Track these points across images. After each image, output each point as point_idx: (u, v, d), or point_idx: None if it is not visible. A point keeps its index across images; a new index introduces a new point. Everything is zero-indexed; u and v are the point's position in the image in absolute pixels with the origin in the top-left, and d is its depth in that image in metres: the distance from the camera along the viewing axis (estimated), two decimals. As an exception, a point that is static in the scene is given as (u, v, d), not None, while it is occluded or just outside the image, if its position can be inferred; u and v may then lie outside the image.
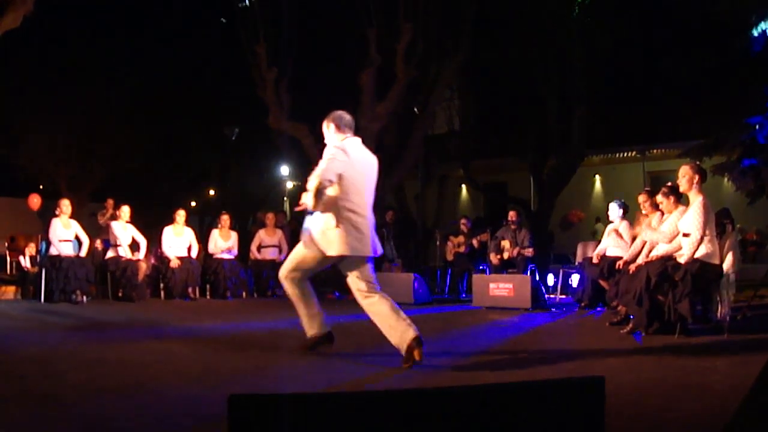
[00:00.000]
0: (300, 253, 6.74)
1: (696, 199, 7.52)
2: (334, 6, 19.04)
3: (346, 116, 6.74)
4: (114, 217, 13.54)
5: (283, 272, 6.84)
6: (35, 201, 13.74)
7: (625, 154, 23.86)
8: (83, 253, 12.55)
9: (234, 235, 14.27)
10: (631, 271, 7.91)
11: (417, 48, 16.44)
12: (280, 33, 17.26)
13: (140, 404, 4.45)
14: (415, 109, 17.92)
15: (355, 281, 6.61)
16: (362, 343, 7.55)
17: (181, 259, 13.23)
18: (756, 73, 15.53)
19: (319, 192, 6.18)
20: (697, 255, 7.36)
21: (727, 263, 7.47)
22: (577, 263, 12.74)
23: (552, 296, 13.00)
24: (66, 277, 11.90)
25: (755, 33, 13.56)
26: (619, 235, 10.45)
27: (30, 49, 21.85)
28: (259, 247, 14.48)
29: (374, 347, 7.24)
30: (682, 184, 7.72)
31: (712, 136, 16.46)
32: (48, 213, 13.08)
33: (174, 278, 13.10)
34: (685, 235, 7.53)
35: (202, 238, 14.24)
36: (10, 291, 13.12)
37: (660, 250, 8.08)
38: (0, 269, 14.40)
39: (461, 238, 14.56)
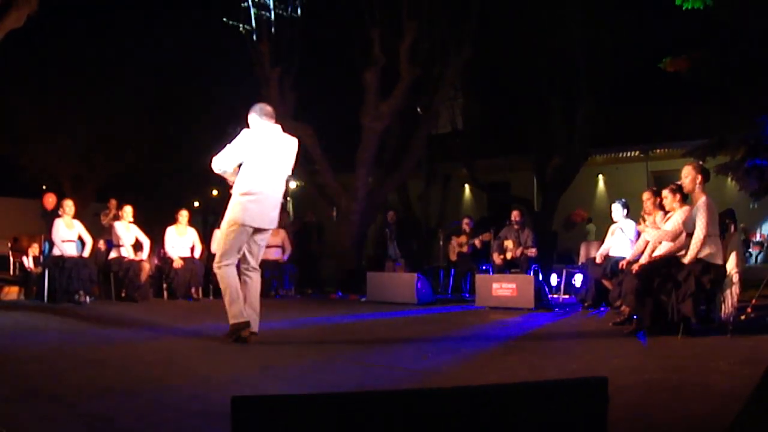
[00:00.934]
0: None
1: (699, 199, 7.52)
2: (338, 5, 19.05)
3: (267, 107, 7.58)
4: (117, 218, 13.54)
5: None
6: (50, 200, 13.73)
7: (629, 154, 23.83)
8: (86, 253, 12.57)
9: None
10: (634, 271, 7.90)
11: (421, 47, 16.45)
12: (284, 32, 17.27)
13: (143, 404, 4.45)
14: (419, 109, 17.94)
15: (245, 254, 7.54)
16: (365, 344, 7.55)
17: (184, 259, 13.24)
18: (760, 72, 15.49)
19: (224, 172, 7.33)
20: (701, 255, 7.35)
21: (731, 263, 7.45)
22: (580, 263, 12.73)
23: (555, 296, 13.00)
24: (69, 277, 11.91)
25: None
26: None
27: (33, 49, 21.85)
28: (262, 247, 14.48)
29: (377, 347, 7.25)
30: (685, 184, 7.72)
31: (716, 136, 16.43)
32: (53, 213, 13.08)
33: (177, 278, 13.11)
34: (689, 234, 7.52)
35: (206, 239, 14.23)
36: (13, 291, 13.13)
37: (663, 250, 8.08)
38: (3, 269, 14.39)
39: (464, 238, 14.54)
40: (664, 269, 7.44)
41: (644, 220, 8.94)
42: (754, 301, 8.81)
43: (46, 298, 12.00)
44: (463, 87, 23.23)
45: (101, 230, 14.78)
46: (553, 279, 13.68)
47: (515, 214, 13.28)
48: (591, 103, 19.11)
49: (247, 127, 7.42)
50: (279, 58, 16.99)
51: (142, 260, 12.81)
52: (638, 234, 9.59)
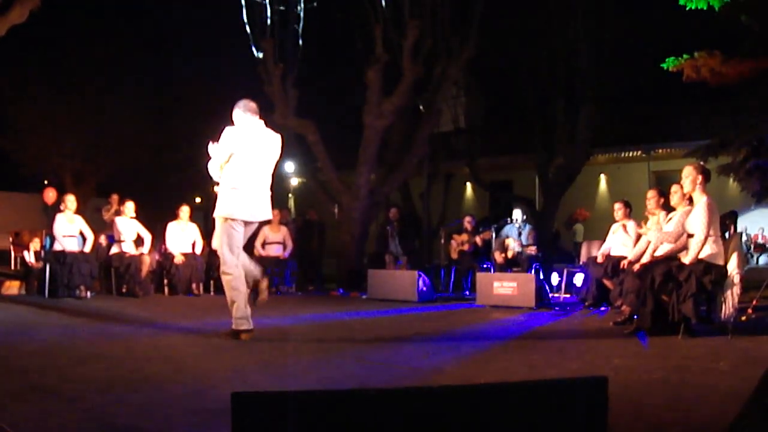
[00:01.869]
0: None
1: (700, 200, 7.52)
2: (342, 2, 19.06)
3: (251, 103, 7.64)
4: (118, 213, 13.54)
5: None
6: (51, 195, 13.74)
7: (631, 154, 23.86)
8: (87, 248, 12.57)
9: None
10: (635, 271, 7.90)
11: (424, 45, 16.44)
12: (287, 29, 17.26)
13: (144, 400, 4.45)
14: (421, 107, 17.91)
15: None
16: (366, 341, 7.55)
17: (185, 254, 13.25)
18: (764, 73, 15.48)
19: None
20: (702, 255, 7.35)
21: (732, 264, 7.45)
22: (581, 262, 12.72)
23: (556, 295, 13.00)
24: (70, 272, 11.92)
25: None
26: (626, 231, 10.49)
27: (36, 45, 21.87)
28: (264, 244, 14.46)
29: (378, 345, 7.26)
30: (686, 185, 7.72)
31: (718, 137, 16.41)
32: (53, 208, 13.10)
33: (178, 274, 13.12)
34: (690, 235, 7.52)
35: (207, 234, 14.24)
36: (14, 286, 13.13)
37: (664, 250, 8.08)
38: (4, 264, 14.42)
39: (465, 237, 14.54)
40: (665, 269, 7.43)
41: (646, 222, 8.94)
42: (754, 302, 8.82)
43: (47, 293, 12.00)
44: (466, 85, 23.23)
45: (102, 225, 14.80)
46: (554, 278, 13.67)
47: (517, 213, 13.29)
48: (593, 103, 19.11)
49: (231, 123, 7.48)
50: (282, 55, 16.98)
51: (143, 255, 12.82)
52: (638, 235, 9.60)
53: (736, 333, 7.25)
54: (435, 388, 2.59)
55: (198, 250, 13.69)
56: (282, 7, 16.97)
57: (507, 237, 13.29)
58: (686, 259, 7.47)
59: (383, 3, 16.50)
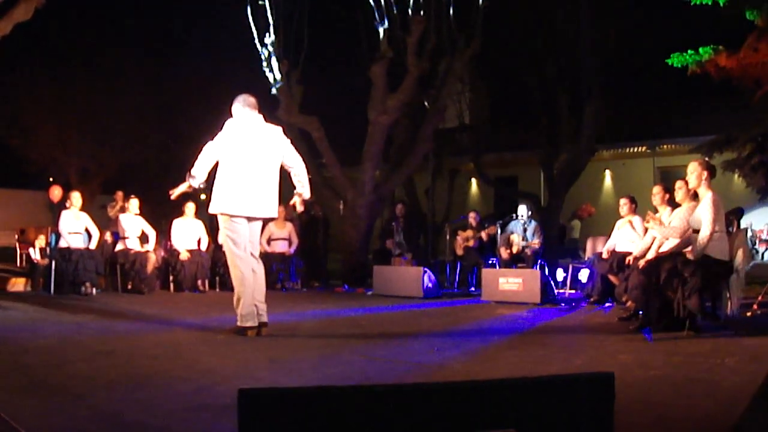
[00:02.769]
0: None
1: (705, 195, 7.51)
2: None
3: (250, 98, 7.65)
4: (123, 210, 13.55)
5: None
6: (56, 192, 13.76)
7: (636, 149, 23.83)
8: (93, 245, 12.58)
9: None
10: (640, 267, 7.90)
11: (428, 41, 16.42)
12: (291, 25, 17.24)
13: (149, 396, 4.46)
14: (426, 103, 17.89)
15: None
16: (371, 337, 7.57)
17: (190, 251, 13.26)
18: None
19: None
20: (707, 251, 7.34)
21: (737, 260, 7.45)
22: (586, 258, 12.73)
23: (561, 291, 12.99)
24: (75, 269, 11.94)
25: None
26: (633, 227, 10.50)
27: (41, 42, 21.89)
28: (269, 240, 14.47)
29: (383, 341, 7.27)
30: (691, 180, 7.71)
31: (724, 132, 16.37)
32: (59, 206, 13.11)
33: (183, 270, 13.13)
34: (695, 231, 7.52)
35: (212, 231, 14.24)
36: (20, 283, 13.15)
37: (669, 246, 8.07)
38: (10, 261, 14.42)
39: (470, 232, 14.55)
40: (670, 265, 7.43)
41: (651, 218, 8.94)
42: (760, 298, 8.84)
43: (52, 290, 12.01)
44: (471, 81, 23.21)
45: (108, 222, 14.81)
46: (560, 274, 13.67)
47: (521, 209, 13.30)
48: (598, 99, 19.07)
49: (231, 116, 7.49)
50: (286, 51, 16.97)
51: (148, 252, 12.83)
52: (645, 229, 9.59)
53: (742, 329, 7.25)
54: (441, 384, 2.59)
55: (203, 247, 13.69)
56: (287, 4, 16.95)
57: (512, 233, 13.30)
58: (692, 255, 7.47)
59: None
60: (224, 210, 7.33)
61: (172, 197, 7.90)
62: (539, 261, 12.85)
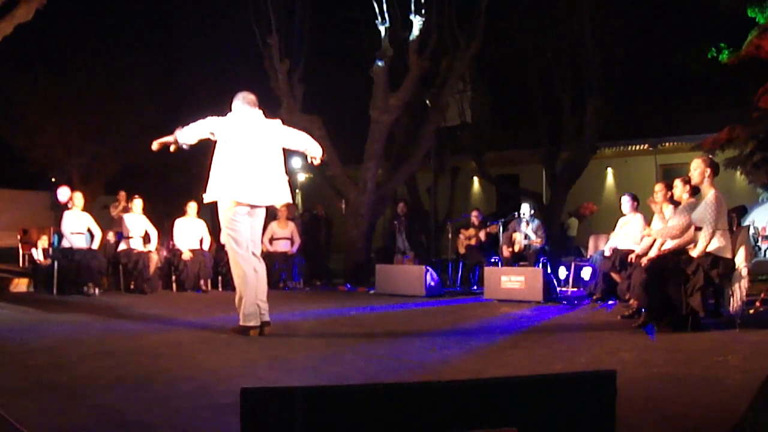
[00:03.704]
0: None
1: (708, 193, 7.50)
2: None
3: (249, 95, 7.66)
4: (126, 210, 13.57)
5: None
6: (64, 193, 13.80)
7: (638, 147, 23.78)
8: (95, 245, 12.61)
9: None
10: (643, 265, 7.89)
11: (430, 40, 16.41)
12: (293, 24, 17.25)
13: (153, 396, 4.47)
14: (427, 101, 17.89)
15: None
16: (374, 336, 7.57)
17: (193, 251, 13.27)
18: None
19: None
20: (710, 249, 7.34)
21: (740, 257, 7.44)
22: (589, 256, 12.72)
23: (564, 289, 12.98)
24: (78, 269, 11.96)
25: None
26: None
27: (44, 43, 21.91)
28: (271, 240, 14.48)
29: (386, 339, 7.27)
30: (694, 177, 7.70)
31: (726, 130, 16.37)
32: (60, 206, 13.14)
33: (186, 270, 13.14)
34: (698, 228, 7.51)
35: (214, 230, 14.26)
36: (23, 283, 13.18)
37: (672, 244, 8.07)
38: (13, 262, 14.45)
39: (472, 231, 14.55)
40: (672, 263, 7.43)
41: (649, 224, 8.95)
42: (762, 295, 8.83)
43: (55, 290, 12.04)
44: (472, 80, 23.18)
45: (110, 222, 14.84)
46: (562, 272, 13.66)
47: (524, 207, 13.31)
48: (600, 97, 19.08)
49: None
50: (288, 50, 16.97)
51: (150, 252, 12.84)
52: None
53: (744, 326, 7.24)
54: (444, 383, 2.59)
55: (206, 246, 13.70)
56: (288, 3, 16.96)
57: (514, 231, 13.30)
58: (694, 252, 7.46)
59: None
60: (231, 197, 7.29)
61: (154, 148, 7.78)
62: (541, 259, 12.85)
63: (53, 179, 24.47)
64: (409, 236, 15.41)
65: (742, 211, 9.72)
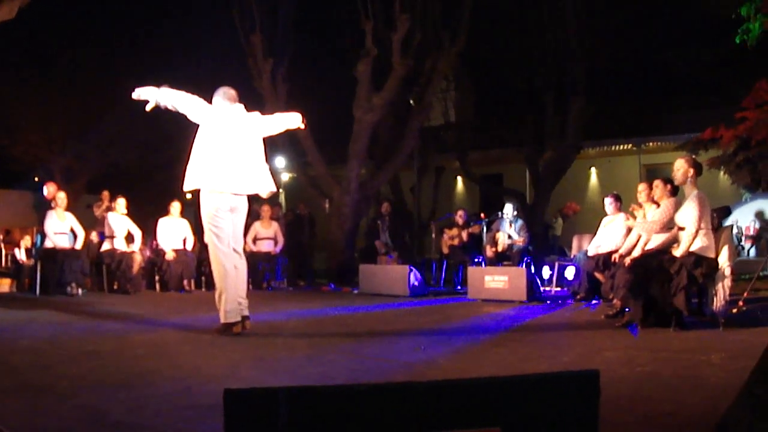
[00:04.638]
0: None
1: (691, 193, 7.54)
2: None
3: (230, 90, 7.79)
4: (109, 209, 13.52)
5: None
6: (51, 190, 13.74)
7: (621, 147, 23.87)
8: (78, 245, 12.57)
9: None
10: (626, 264, 7.91)
11: (413, 39, 16.42)
12: (276, 23, 17.23)
13: (135, 397, 4.45)
14: (411, 101, 17.91)
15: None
16: (358, 336, 7.56)
17: (176, 251, 13.24)
18: (752, 66, 15.51)
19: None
20: (693, 248, 7.37)
21: (723, 257, 7.47)
22: (572, 256, 12.76)
23: (547, 289, 13.03)
24: (61, 269, 11.92)
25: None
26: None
27: (25, 39, 21.80)
28: (255, 240, 14.46)
29: (370, 339, 7.26)
30: (677, 177, 7.74)
31: (709, 130, 16.44)
32: (44, 205, 13.07)
33: (169, 270, 13.12)
34: (681, 228, 7.54)
35: (197, 230, 14.22)
36: (5, 283, 13.14)
37: (655, 243, 8.10)
38: (-5, 262, 14.40)
39: (455, 231, 14.57)
40: (656, 262, 7.46)
41: (634, 216, 8.96)
42: (745, 294, 8.84)
43: (38, 291, 12.00)
44: (456, 79, 23.24)
45: (93, 222, 14.78)
46: (546, 271, 13.70)
47: (507, 207, 13.36)
48: (584, 96, 19.14)
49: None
50: (271, 49, 16.96)
51: (134, 252, 12.80)
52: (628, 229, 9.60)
53: (728, 325, 7.27)
54: (428, 383, 2.59)
55: (189, 246, 13.68)
56: (271, 1, 16.95)
57: (498, 231, 13.33)
58: (677, 252, 7.49)
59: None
60: (205, 184, 7.23)
61: (133, 96, 7.82)
62: (525, 259, 12.88)
63: (36, 178, 24.35)
64: (392, 236, 15.42)
65: (726, 213, 9.74)
